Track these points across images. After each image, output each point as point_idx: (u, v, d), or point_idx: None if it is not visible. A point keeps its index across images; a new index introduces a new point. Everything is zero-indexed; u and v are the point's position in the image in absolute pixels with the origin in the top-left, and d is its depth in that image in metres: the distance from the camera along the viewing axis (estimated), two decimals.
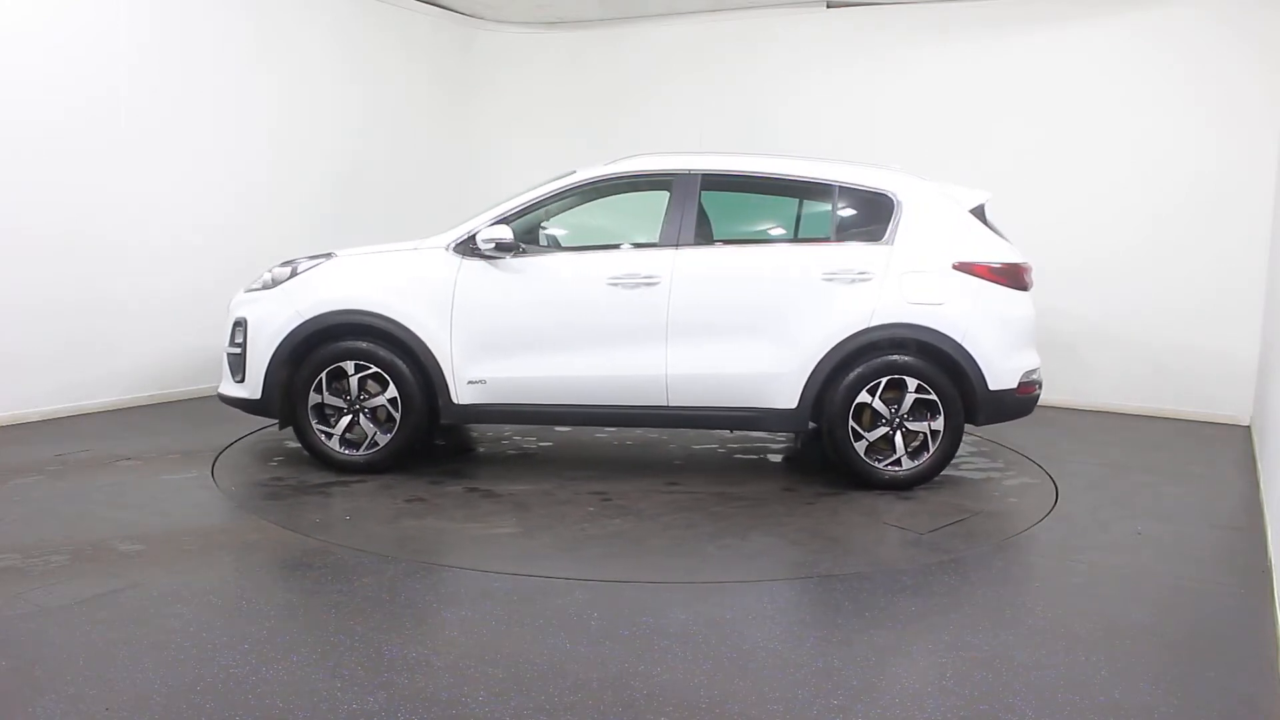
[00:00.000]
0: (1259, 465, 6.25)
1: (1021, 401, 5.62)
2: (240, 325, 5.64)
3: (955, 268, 5.48)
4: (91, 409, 6.91)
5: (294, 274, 5.66)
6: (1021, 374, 5.55)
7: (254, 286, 5.79)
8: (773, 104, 9.11)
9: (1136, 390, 8.05)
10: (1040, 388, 5.74)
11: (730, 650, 3.48)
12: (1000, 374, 5.47)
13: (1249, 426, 7.58)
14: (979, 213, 5.70)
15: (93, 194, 6.82)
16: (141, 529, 4.58)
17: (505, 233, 5.45)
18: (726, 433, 6.74)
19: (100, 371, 7.00)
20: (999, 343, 5.48)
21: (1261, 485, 5.80)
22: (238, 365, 5.63)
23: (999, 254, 5.57)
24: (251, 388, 5.57)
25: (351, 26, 8.69)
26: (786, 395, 5.49)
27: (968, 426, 5.68)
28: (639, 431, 6.87)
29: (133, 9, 6.95)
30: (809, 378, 5.45)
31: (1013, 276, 5.55)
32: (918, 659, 3.48)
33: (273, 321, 5.53)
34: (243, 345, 5.60)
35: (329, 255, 5.78)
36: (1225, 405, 7.76)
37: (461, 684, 3.16)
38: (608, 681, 3.21)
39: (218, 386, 5.90)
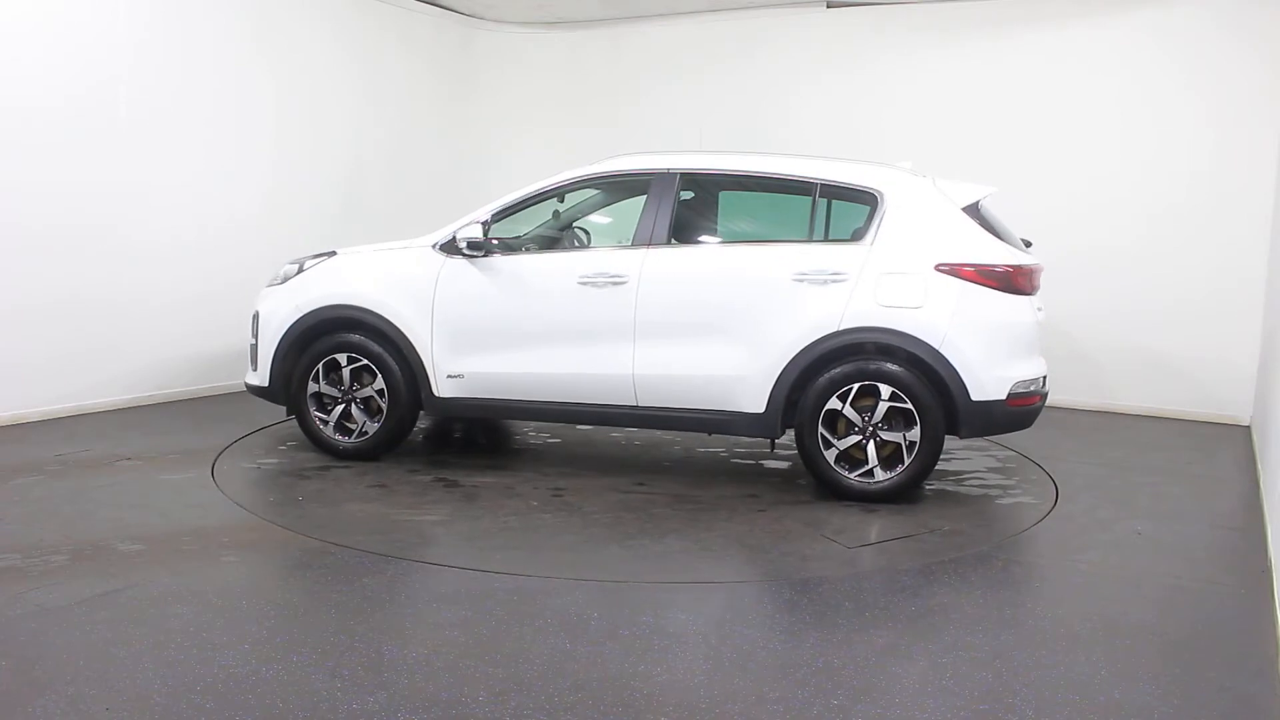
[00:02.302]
0: (1259, 465, 6.24)
1: (1014, 414, 5.26)
2: (256, 319, 6.02)
3: (938, 269, 5.17)
4: (92, 409, 6.90)
5: (300, 270, 6.00)
6: (1013, 384, 5.18)
7: (273, 282, 6.12)
8: (773, 104, 9.10)
9: (1136, 390, 8.05)
10: (1042, 399, 5.43)
11: (730, 650, 3.48)
12: (985, 384, 5.12)
13: (1249, 426, 7.58)
14: (974, 210, 5.39)
15: (92, 194, 6.80)
16: (141, 529, 4.58)
17: (476, 231, 5.58)
18: (730, 436, 6.69)
19: (101, 372, 6.99)
20: (986, 350, 5.13)
21: (1261, 485, 5.79)
22: (253, 356, 6.02)
23: (990, 255, 5.22)
24: (262, 376, 5.94)
25: (351, 26, 8.69)
26: (753, 399, 5.31)
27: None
28: (654, 431, 6.78)
29: (132, 8, 6.93)
30: (776, 381, 5.25)
31: (1005, 279, 5.19)
32: (918, 659, 3.48)
33: (278, 315, 5.88)
34: (256, 337, 5.96)
35: (331, 253, 6.07)
36: (1225, 405, 7.76)
37: (461, 684, 3.16)
38: (608, 681, 3.22)
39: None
